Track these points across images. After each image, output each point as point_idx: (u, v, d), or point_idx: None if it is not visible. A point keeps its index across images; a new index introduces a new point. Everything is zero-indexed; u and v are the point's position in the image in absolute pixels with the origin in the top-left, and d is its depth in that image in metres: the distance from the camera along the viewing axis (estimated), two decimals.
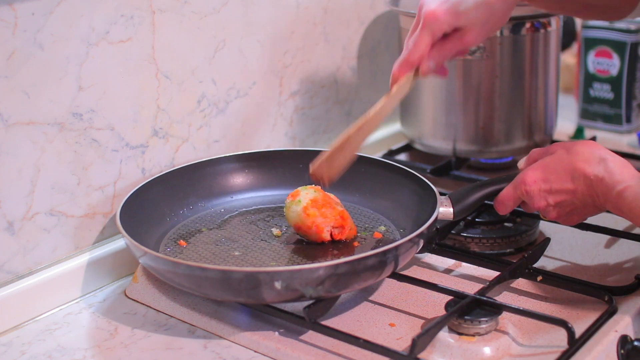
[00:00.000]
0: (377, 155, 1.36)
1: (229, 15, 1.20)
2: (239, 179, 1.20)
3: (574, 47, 1.75)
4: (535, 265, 1.04)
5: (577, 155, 0.97)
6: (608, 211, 0.98)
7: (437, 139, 1.35)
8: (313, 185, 1.06)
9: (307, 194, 1.05)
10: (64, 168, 1.03)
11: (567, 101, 1.67)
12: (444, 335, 0.90)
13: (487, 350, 0.88)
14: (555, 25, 1.29)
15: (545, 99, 1.33)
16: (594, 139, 1.44)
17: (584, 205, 0.98)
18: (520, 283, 1.02)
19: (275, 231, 1.09)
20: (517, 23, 1.25)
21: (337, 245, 1.05)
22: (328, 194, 1.08)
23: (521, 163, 1.04)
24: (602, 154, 0.96)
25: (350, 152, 1.02)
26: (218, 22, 1.19)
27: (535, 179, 0.98)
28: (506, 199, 1.03)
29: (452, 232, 1.11)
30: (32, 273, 1.02)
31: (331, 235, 1.04)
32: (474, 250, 1.10)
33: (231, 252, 1.04)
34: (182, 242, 1.06)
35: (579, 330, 0.89)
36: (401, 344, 0.91)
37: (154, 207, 1.10)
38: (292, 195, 1.06)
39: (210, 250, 1.05)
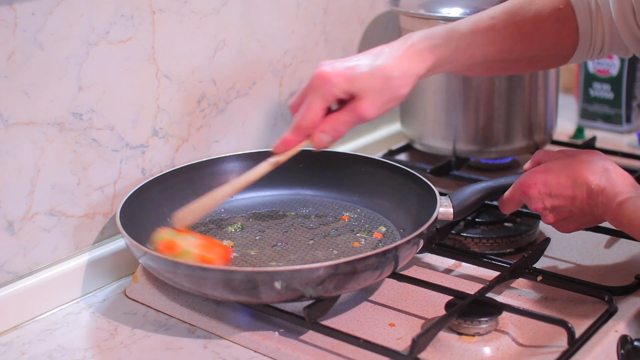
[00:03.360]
0: (377, 155, 1.36)
1: (229, 15, 1.20)
2: None
3: None
4: (535, 265, 1.04)
5: (581, 164, 0.96)
6: (604, 224, 0.98)
7: (437, 139, 1.35)
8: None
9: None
10: (64, 168, 1.03)
11: (567, 101, 1.67)
12: (444, 335, 0.90)
13: (487, 350, 0.88)
14: None
15: (545, 99, 1.33)
16: (594, 139, 1.44)
17: (581, 214, 0.98)
18: (520, 283, 1.02)
19: (275, 231, 1.09)
20: None
21: (337, 245, 1.05)
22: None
23: (527, 165, 1.04)
24: (606, 164, 0.95)
25: (206, 207, 1.00)
26: (218, 22, 1.19)
27: (536, 182, 0.98)
28: (508, 199, 1.03)
29: (452, 232, 1.11)
30: (32, 273, 1.02)
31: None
32: (474, 250, 1.10)
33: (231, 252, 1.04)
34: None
35: (579, 330, 0.89)
36: (401, 344, 0.91)
37: (154, 207, 1.10)
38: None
39: None
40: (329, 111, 0.96)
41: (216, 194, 1.00)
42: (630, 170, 1.29)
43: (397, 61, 0.94)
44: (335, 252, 1.04)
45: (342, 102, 0.96)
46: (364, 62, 0.95)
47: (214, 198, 1.00)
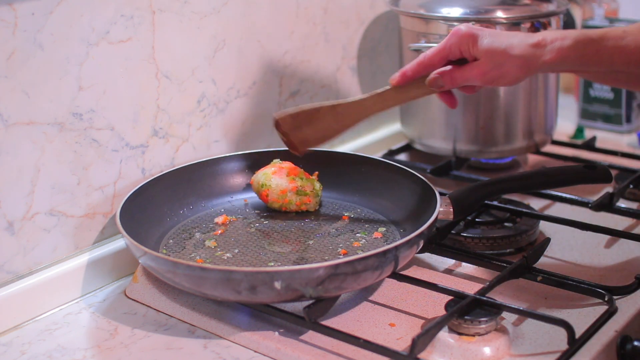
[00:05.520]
0: (377, 155, 1.36)
1: (229, 15, 1.20)
2: (239, 179, 1.20)
3: None
4: (535, 265, 1.04)
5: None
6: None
7: (437, 139, 1.35)
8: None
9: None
10: (64, 168, 1.03)
11: (567, 101, 1.67)
12: (444, 335, 0.90)
13: (487, 350, 0.88)
14: (555, 25, 1.29)
15: (545, 99, 1.33)
16: (594, 139, 1.44)
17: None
18: (520, 283, 1.02)
19: (275, 231, 1.09)
20: (517, 23, 1.25)
21: (337, 245, 1.05)
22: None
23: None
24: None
25: (320, 129, 1.04)
26: (218, 22, 1.19)
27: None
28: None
29: (452, 232, 1.11)
30: (32, 273, 1.02)
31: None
32: (474, 250, 1.10)
33: (231, 252, 1.04)
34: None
35: (579, 330, 0.89)
36: (401, 344, 0.91)
37: (154, 207, 1.10)
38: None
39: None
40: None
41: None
42: (631, 171, 1.30)
43: (526, 47, 0.97)
44: (335, 252, 1.04)
45: (463, 62, 1.01)
46: (499, 36, 0.99)
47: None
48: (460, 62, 1.01)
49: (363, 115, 1.05)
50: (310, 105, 1.04)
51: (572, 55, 0.97)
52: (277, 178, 1.12)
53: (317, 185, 1.14)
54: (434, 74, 1.02)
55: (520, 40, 0.98)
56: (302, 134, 1.05)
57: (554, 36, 0.97)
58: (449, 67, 1.01)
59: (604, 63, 0.97)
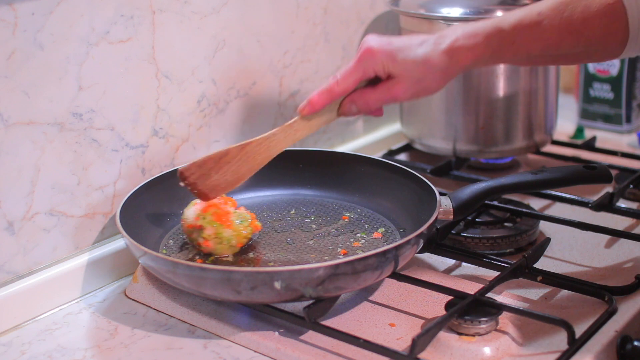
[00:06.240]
0: (377, 155, 1.36)
1: (229, 15, 1.20)
2: None
3: None
4: (535, 265, 1.04)
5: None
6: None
7: (437, 139, 1.35)
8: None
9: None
10: (64, 168, 1.03)
11: (567, 101, 1.67)
12: (444, 335, 0.90)
13: (487, 350, 0.88)
14: None
15: (545, 99, 1.33)
16: (594, 139, 1.44)
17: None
18: (520, 283, 1.02)
19: (275, 231, 1.09)
20: None
21: (337, 245, 1.05)
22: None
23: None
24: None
25: (230, 173, 1.00)
26: (218, 22, 1.19)
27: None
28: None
29: (452, 232, 1.11)
30: (32, 273, 1.02)
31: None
32: (474, 250, 1.10)
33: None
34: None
35: (579, 330, 0.89)
36: (401, 344, 0.91)
37: (154, 207, 1.10)
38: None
39: None
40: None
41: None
42: (630, 171, 1.30)
43: (441, 56, 0.96)
44: (335, 252, 1.04)
45: (374, 82, 0.99)
46: (410, 47, 0.97)
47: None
48: (372, 81, 0.98)
49: (275, 150, 1.01)
50: (217, 152, 1.00)
51: (487, 53, 0.96)
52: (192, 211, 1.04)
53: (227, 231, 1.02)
54: (346, 101, 0.99)
55: (433, 49, 0.96)
56: (212, 182, 1.00)
57: (465, 37, 0.95)
58: (359, 91, 0.98)
59: (520, 53, 0.97)
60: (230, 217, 1.02)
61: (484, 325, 0.90)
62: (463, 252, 1.08)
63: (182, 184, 1.00)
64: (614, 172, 1.21)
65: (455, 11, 1.26)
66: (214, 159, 1.00)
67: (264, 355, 0.91)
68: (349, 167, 1.19)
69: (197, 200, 1.03)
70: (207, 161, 1.00)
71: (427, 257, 1.10)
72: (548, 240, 1.08)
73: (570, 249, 1.12)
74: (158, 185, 1.11)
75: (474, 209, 1.08)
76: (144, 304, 1.02)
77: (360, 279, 0.92)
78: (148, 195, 1.09)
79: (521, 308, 0.93)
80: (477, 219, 1.14)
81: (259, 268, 0.98)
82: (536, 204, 1.22)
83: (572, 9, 0.96)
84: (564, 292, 1.00)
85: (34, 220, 1.01)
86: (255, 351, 0.92)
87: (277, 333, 0.93)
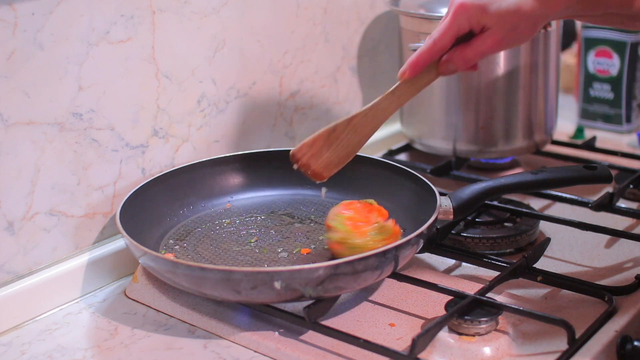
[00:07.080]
0: (377, 155, 1.36)
1: (229, 15, 1.20)
2: (239, 179, 1.20)
3: (574, 47, 1.75)
4: (535, 265, 1.04)
5: None
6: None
7: (437, 139, 1.35)
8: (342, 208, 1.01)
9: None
10: (64, 168, 1.03)
11: (567, 101, 1.67)
12: (444, 335, 0.90)
13: (487, 350, 0.88)
14: (555, 25, 1.29)
15: (545, 99, 1.33)
16: (594, 139, 1.44)
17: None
18: (520, 283, 1.02)
19: (275, 231, 1.09)
20: None
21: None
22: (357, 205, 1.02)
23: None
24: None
25: (341, 148, 1.00)
26: (218, 22, 1.19)
27: None
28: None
29: (452, 232, 1.11)
30: (32, 273, 1.02)
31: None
32: (474, 250, 1.10)
33: (231, 252, 1.04)
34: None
35: (579, 330, 0.89)
36: (401, 344, 0.91)
37: (154, 207, 1.10)
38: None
39: (210, 251, 1.05)
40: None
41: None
42: (630, 171, 1.30)
43: (533, 3, 0.94)
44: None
45: (467, 38, 0.97)
46: None
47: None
48: (465, 38, 0.97)
49: (382, 119, 1.01)
50: (324, 129, 1.00)
51: (574, 2, 0.96)
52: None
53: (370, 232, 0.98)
54: (444, 60, 0.98)
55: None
56: (324, 160, 1.00)
57: None
58: (454, 49, 0.97)
59: (600, 6, 0.96)
60: (366, 226, 0.98)
61: (483, 325, 0.90)
62: (463, 252, 1.08)
63: (295, 166, 1.00)
64: (614, 172, 1.21)
65: None
66: (323, 136, 1.00)
67: (264, 355, 0.91)
68: (349, 167, 1.19)
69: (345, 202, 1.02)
70: (317, 139, 0.99)
71: (427, 257, 1.10)
72: (548, 240, 1.08)
73: (570, 249, 1.12)
74: (158, 185, 1.11)
75: (474, 209, 1.08)
76: (144, 304, 1.02)
77: (360, 279, 0.92)
78: (148, 195, 1.09)
79: (521, 308, 0.93)
80: (477, 219, 1.14)
81: (259, 268, 0.98)
82: (536, 204, 1.22)
83: None
84: (564, 292, 1.00)
85: (34, 220, 1.01)
86: (255, 351, 0.92)
87: (277, 333, 0.93)
